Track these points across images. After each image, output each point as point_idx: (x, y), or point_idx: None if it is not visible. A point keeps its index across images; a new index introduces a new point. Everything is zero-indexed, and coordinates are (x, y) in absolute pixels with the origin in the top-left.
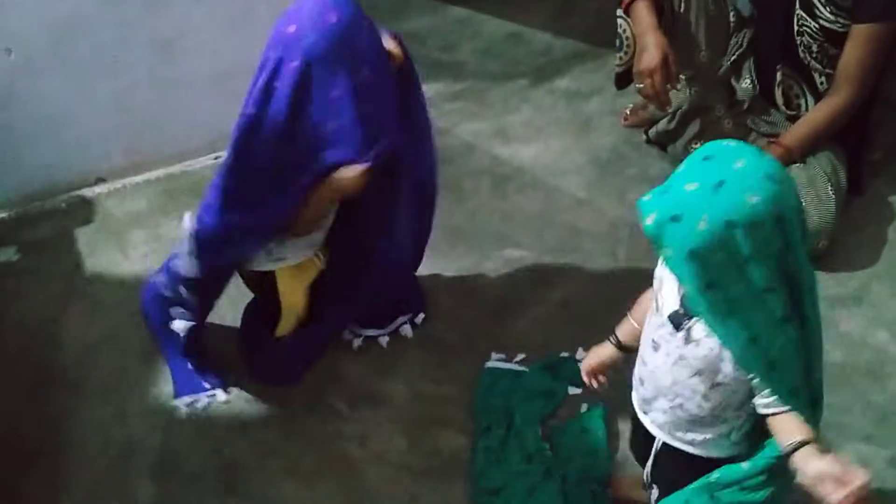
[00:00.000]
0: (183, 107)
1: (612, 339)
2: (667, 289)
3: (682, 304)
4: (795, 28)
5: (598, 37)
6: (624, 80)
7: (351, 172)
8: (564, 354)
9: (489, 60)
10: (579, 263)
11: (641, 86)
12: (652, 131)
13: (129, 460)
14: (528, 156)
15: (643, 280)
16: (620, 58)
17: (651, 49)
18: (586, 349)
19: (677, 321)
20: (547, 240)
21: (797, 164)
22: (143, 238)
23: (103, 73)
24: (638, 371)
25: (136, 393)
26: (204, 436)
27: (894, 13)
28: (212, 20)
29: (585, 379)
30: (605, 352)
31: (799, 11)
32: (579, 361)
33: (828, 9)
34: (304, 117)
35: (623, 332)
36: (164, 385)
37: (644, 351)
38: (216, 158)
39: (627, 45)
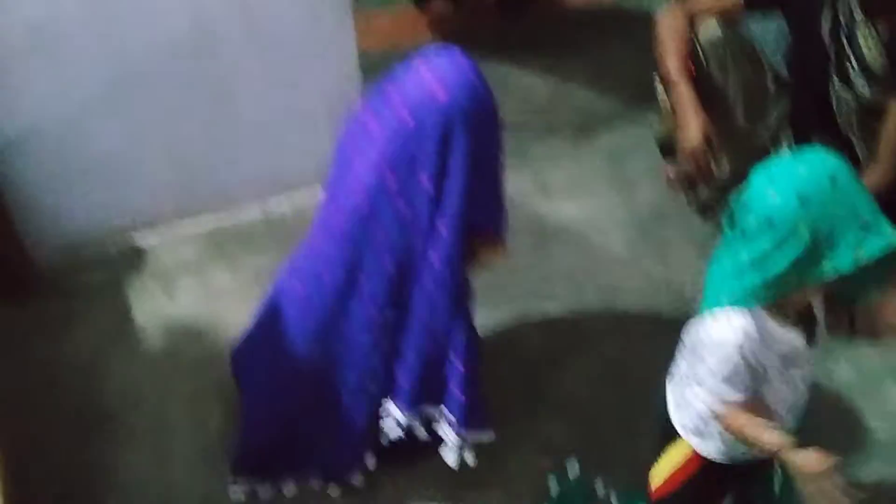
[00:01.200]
0: (235, 158)
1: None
2: (798, 348)
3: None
4: (833, 100)
5: (640, 95)
6: (667, 148)
7: (494, 251)
8: (552, 480)
9: (532, 116)
10: (619, 322)
11: (685, 165)
12: (692, 202)
13: None
14: (569, 212)
15: None
16: (659, 122)
17: (693, 129)
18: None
19: (815, 339)
20: (587, 297)
21: None
22: (190, 285)
23: (159, 123)
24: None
25: (178, 438)
26: None
27: None
28: (267, 75)
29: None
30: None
31: (836, 83)
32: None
33: (861, 81)
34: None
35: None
36: (207, 432)
37: (793, 399)
38: (264, 210)
39: (665, 111)
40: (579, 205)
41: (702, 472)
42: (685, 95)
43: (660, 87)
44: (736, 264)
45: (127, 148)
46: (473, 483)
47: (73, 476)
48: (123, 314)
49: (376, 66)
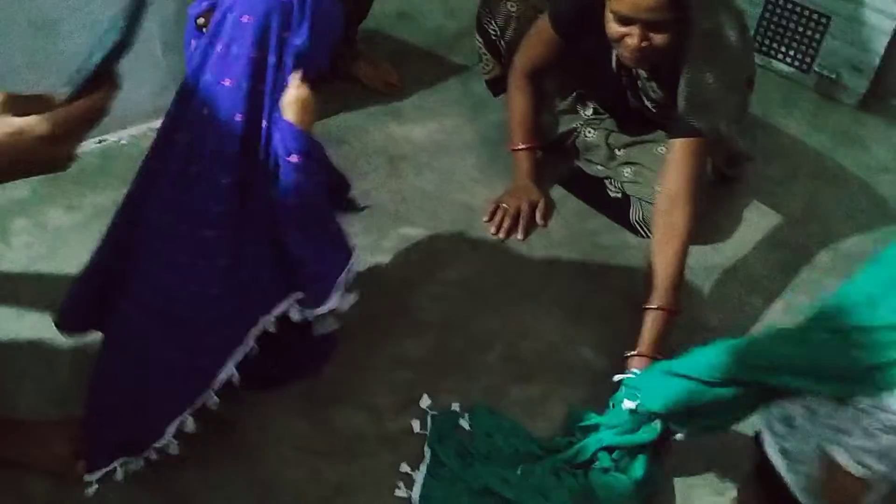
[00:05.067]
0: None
1: None
2: None
3: None
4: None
5: None
6: (496, 86)
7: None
8: (418, 423)
9: (379, 40)
10: (474, 242)
11: (489, 215)
12: None
13: None
14: (421, 135)
15: (535, 257)
16: (483, 68)
17: (517, 196)
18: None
19: None
20: (442, 218)
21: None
22: (25, 226)
23: None
24: None
25: (23, 387)
26: None
27: (707, 129)
28: None
29: None
30: None
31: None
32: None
33: (649, 105)
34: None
35: None
36: (53, 381)
37: None
38: (100, 142)
39: (486, 61)
40: (431, 128)
41: None
42: (524, 162)
43: (478, 41)
44: None
45: None
46: (333, 399)
47: None
48: None
49: None
